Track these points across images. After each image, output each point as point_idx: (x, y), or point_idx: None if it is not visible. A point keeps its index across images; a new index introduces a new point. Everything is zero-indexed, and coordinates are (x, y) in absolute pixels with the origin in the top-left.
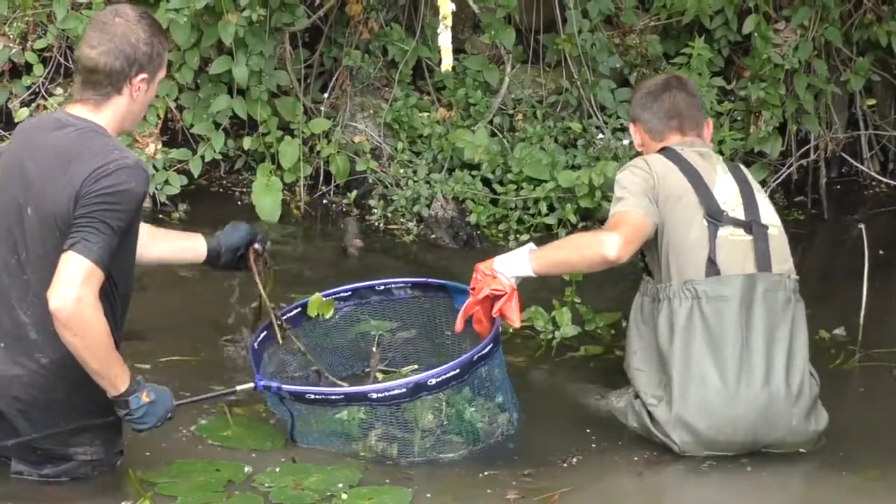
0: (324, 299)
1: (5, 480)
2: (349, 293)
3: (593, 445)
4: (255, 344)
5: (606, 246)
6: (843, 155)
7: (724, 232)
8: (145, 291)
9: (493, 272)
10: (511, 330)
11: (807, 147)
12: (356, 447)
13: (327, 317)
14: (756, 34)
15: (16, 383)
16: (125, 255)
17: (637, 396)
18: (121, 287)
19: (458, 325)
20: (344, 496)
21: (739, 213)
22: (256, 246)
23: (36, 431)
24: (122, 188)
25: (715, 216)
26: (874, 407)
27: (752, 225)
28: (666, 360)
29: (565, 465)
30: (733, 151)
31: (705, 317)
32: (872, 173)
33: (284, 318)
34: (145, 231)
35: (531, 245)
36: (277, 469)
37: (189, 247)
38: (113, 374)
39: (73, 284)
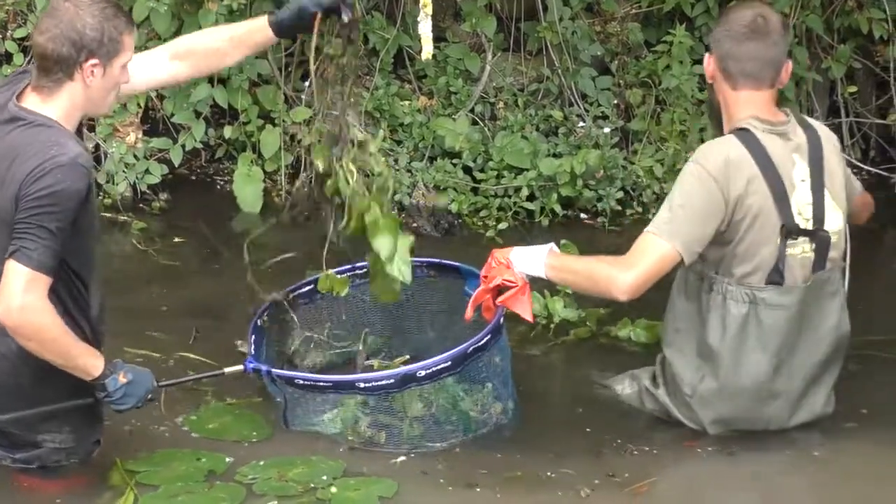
0: (338, 276)
1: None
2: (366, 270)
3: (606, 436)
4: (258, 321)
5: (617, 287)
6: None
7: (795, 249)
8: (149, 285)
9: (509, 262)
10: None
11: None
12: (345, 432)
13: (342, 294)
14: None
15: None
16: (82, 248)
17: (654, 380)
18: (85, 276)
19: (469, 312)
20: (333, 489)
21: (808, 215)
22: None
23: (1, 414)
24: (58, 188)
25: (790, 233)
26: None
27: (817, 234)
28: (713, 354)
29: (597, 455)
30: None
31: (761, 322)
32: (854, 161)
33: (296, 293)
34: (220, 39)
35: (552, 245)
36: (261, 462)
37: (253, 29)
38: (81, 364)
39: (16, 293)
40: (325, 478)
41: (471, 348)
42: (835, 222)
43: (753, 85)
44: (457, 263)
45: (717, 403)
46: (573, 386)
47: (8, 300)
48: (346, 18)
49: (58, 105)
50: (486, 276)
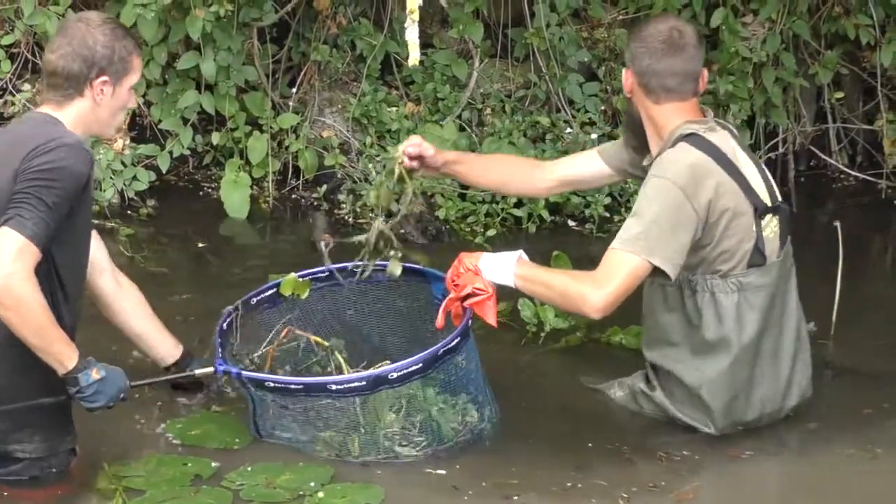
0: (299, 279)
1: None
2: (326, 274)
3: (618, 442)
4: (224, 325)
5: (591, 305)
6: (812, 148)
7: (767, 230)
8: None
9: (477, 269)
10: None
11: (775, 140)
12: (314, 443)
13: (303, 297)
14: (724, 28)
15: None
16: (71, 247)
17: (648, 382)
18: (66, 279)
19: (440, 320)
20: (320, 494)
21: (764, 193)
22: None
23: None
24: (60, 164)
25: (762, 214)
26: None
27: (779, 208)
28: (715, 345)
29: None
30: None
31: (751, 305)
32: (841, 166)
33: (258, 298)
34: None
35: (521, 253)
36: (249, 468)
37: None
38: (56, 351)
39: (5, 259)
40: (312, 484)
41: (441, 350)
42: (776, 190)
43: (677, 97)
44: (421, 267)
45: (724, 389)
46: (565, 392)
47: None
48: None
49: (66, 114)
50: (453, 282)
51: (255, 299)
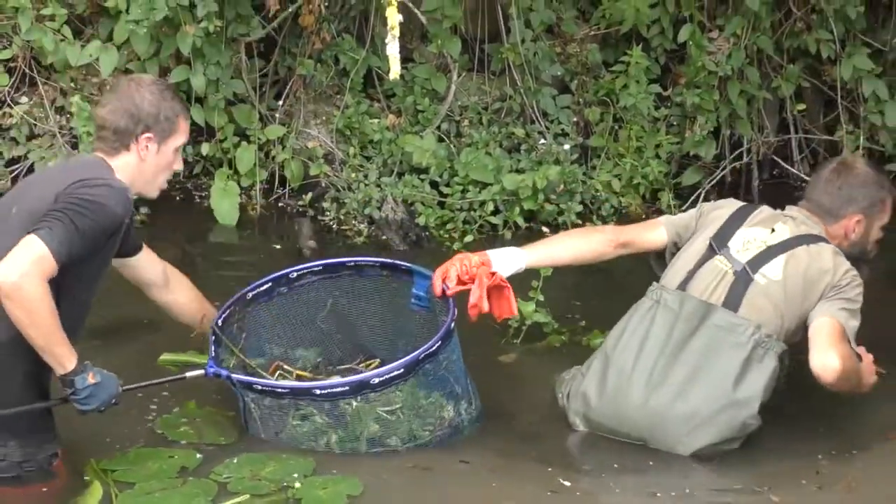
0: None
1: None
2: (320, 268)
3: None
4: (219, 322)
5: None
6: (775, 158)
7: (714, 261)
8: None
9: (488, 261)
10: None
11: (740, 150)
12: (301, 439)
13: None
14: (691, 43)
15: None
16: (88, 285)
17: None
18: (72, 319)
19: (482, 307)
20: (297, 485)
21: (744, 258)
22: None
23: None
24: (100, 200)
25: (718, 244)
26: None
27: (743, 269)
28: (607, 339)
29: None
30: (669, 155)
31: (655, 319)
32: (802, 175)
33: (254, 292)
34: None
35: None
36: (235, 460)
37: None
38: (59, 353)
39: (23, 260)
40: (295, 475)
41: (422, 355)
42: (773, 274)
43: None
44: (408, 264)
45: (588, 391)
46: (544, 389)
47: (13, 263)
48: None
49: (115, 164)
50: (460, 278)
51: (250, 294)
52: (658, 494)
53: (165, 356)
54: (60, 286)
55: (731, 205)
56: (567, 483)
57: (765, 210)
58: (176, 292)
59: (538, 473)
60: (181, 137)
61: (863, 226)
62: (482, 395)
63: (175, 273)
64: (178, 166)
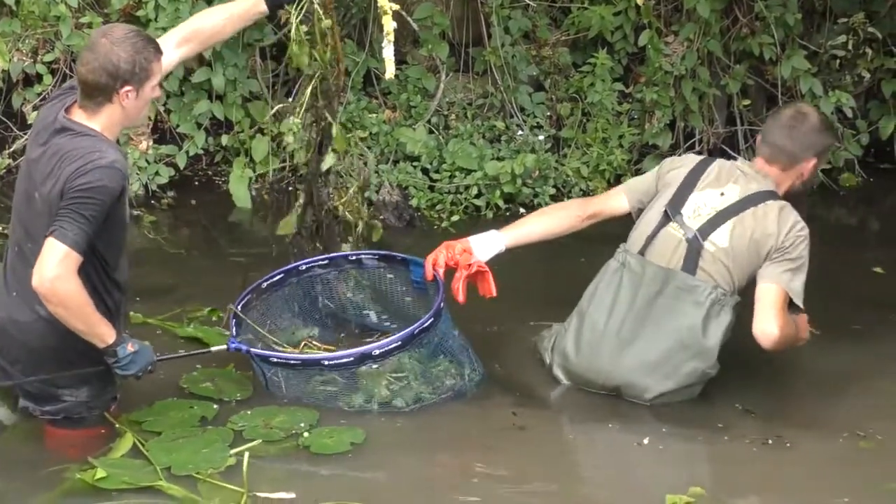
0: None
1: (16, 413)
2: (326, 261)
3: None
4: (238, 306)
5: (571, 209)
6: (724, 147)
7: (669, 227)
8: (159, 268)
9: (470, 249)
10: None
11: (692, 140)
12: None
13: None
14: (649, 46)
15: (17, 328)
16: (112, 236)
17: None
18: (111, 260)
19: (461, 297)
20: (306, 434)
21: (695, 224)
22: None
23: (25, 375)
24: (96, 185)
25: (672, 211)
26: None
27: (695, 235)
28: (582, 299)
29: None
30: (631, 145)
31: (622, 281)
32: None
33: (267, 283)
34: (221, 18)
35: (494, 231)
36: (249, 412)
37: (247, 6)
38: (99, 333)
39: (50, 265)
40: (302, 425)
41: (417, 330)
42: (721, 241)
43: (763, 160)
44: (403, 255)
45: (566, 346)
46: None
47: (42, 271)
48: None
49: (100, 121)
50: (446, 264)
51: (265, 283)
52: (645, 442)
53: (187, 329)
54: (100, 254)
55: (688, 162)
56: (570, 435)
57: (716, 167)
58: (199, 34)
59: (537, 422)
60: (156, 77)
61: (816, 168)
62: (485, 363)
63: (189, 32)
64: (157, 94)
